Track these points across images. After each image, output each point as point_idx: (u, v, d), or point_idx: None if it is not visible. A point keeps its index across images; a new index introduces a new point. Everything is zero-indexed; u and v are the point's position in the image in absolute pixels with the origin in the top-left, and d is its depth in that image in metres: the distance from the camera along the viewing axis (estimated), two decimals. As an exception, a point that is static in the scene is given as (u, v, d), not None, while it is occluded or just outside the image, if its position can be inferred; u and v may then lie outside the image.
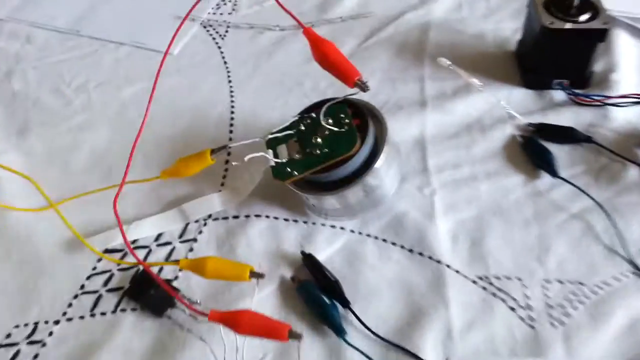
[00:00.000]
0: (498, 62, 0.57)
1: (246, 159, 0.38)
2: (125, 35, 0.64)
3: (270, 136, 0.43)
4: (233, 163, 0.39)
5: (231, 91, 0.57)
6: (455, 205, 0.46)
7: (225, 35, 0.63)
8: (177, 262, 0.37)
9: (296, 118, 0.44)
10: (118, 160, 0.52)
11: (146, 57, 0.62)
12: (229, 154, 0.52)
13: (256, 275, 0.35)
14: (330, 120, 0.42)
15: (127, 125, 0.55)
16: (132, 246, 0.46)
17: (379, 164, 0.41)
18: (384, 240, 0.44)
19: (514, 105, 0.51)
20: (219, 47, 0.62)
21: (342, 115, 0.42)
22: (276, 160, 0.42)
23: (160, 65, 0.45)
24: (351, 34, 0.62)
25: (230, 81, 0.58)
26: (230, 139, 0.53)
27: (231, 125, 0.54)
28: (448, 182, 0.47)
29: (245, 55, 0.61)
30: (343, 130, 0.41)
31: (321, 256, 0.43)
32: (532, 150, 0.49)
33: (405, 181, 0.47)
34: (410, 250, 0.43)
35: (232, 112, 0.55)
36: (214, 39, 0.63)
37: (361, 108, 0.43)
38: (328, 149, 0.41)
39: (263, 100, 0.56)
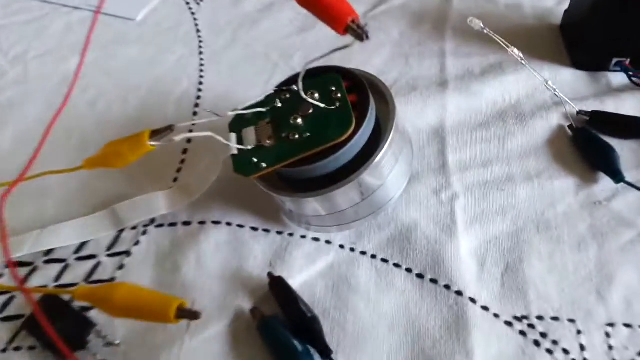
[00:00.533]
0: (539, 38, 0.45)
1: (178, 138, 0.27)
2: (81, -2, 0.53)
3: (231, 113, 0.31)
4: (150, 143, 0.27)
5: (201, 64, 0.46)
6: (483, 216, 0.34)
7: (202, 0, 0.52)
8: (72, 289, 0.25)
9: (272, 92, 0.32)
10: (47, 144, 0.41)
11: (104, 23, 0.51)
12: (189, 140, 0.40)
13: (188, 314, 0.23)
14: (316, 95, 0.30)
15: (68, 101, 0.44)
16: (45, 258, 0.34)
17: (381, 156, 0.29)
18: (385, 260, 0.32)
19: (560, 89, 0.38)
20: (193, 14, 0.50)
21: (332, 89, 0.30)
22: (238, 147, 0.30)
23: (90, 31, 0.33)
24: (356, 0, 0.50)
25: (201, 53, 0.47)
26: (194, 125, 0.41)
27: (196, 105, 0.42)
28: (474, 184, 0.35)
29: (224, 24, 0.49)
30: (333, 108, 0.29)
31: (297, 280, 0.32)
32: (588, 145, 0.37)
33: (416, 181, 0.35)
34: (421, 276, 0.31)
35: (200, 90, 0.43)
36: (187, 3, 0.52)
37: (360, 80, 0.31)
38: (311, 133, 0.29)
39: (240, 76, 0.44)
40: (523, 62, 0.36)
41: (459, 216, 0.34)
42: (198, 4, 0.51)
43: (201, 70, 0.45)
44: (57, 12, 0.52)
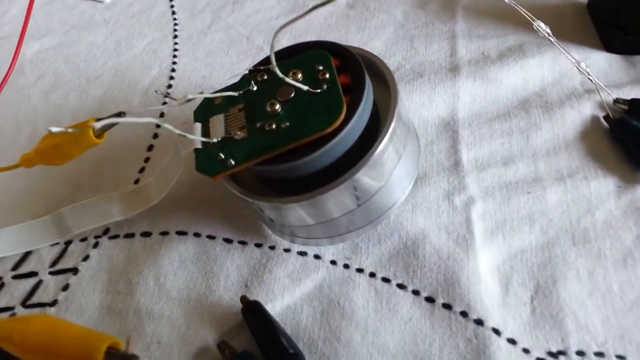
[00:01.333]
0: (563, 17, 0.39)
1: (97, 126, 0.21)
2: (45, -21, 0.47)
3: (192, 96, 0.25)
4: (95, 125, 0.21)
5: (175, 49, 0.40)
6: (506, 225, 0.28)
7: (179, -20, 0.46)
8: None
9: (246, 72, 0.26)
10: (-9, 141, 0.35)
11: (68, 6, 0.45)
12: (155, 135, 0.34)
13: (120, 358, 0.17)
14: (299, 75, 0.24)
15: (19, 90, 0.38)
16: (-26, 276, 0.28)
17: (380, 149, 0.23)
18: (386, 279, 0.26)
19: (592, 74, 0.32)
20: (169, -6, 0.44)
21: (320, 68, 0.24)
22: (201, 139, 0.24)
23: (28, 12, 0.28)
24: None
25: (176, 37, 0.41)
26: (162, 114, 0.35)
27: (166, 95, 0.36)
28: (494, 186, 0.29)
29: (204, 4, 0.43)
30: (319, 91, 0.24)
31: (278, 305, 0.26)
32: (628, 139, 0.31)
33: (423, 182, 0.29)
34: (431, 300, 0.25)
35: (172, 78, 0.37)
36: (163, -17, 0.46)
37: (354, 58, 0.25)
38: (291, 122, 0.23)
39: (219, 62, 0.38)
40: (551, 38, 0.30)
41: (477, 225, 0.27)
42: (175, -17, 0.45)
43: (174, 56, 0.39)
44: (18, -6, 0.47)
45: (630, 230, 0.27)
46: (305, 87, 0.24)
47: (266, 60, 0.27)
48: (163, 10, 0.43)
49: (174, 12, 0.43)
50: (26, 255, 0.29)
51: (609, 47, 0.36)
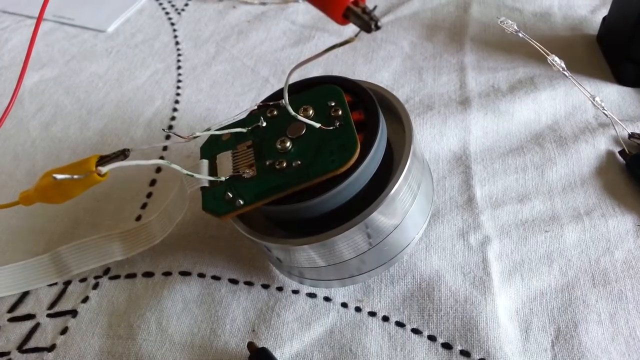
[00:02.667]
0: (573, 50, 0.38)
1: (103, 170, 0.20)
2: (47, 9, 0.46)
3: (200, 133, 0.24)
4: (102, 169, 0.20)
5: (179, 80, 0.39)
6: (524, 265, 0.27)
7: (183, 10, 0.45)
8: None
9: (254, 108, 0.26)
10: (-11, 175, 0.34)
11: (69, 35, 0.44)
12: (158, 169, 0.33)
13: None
14: (311, 112, 0.23)
15: (18, 123, 0.37)
16: (-33, 319, 0.27)
17: (396, 188, 0.22)
18: (400, 324, 0.25)
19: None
20: (172, 24, 0.44)
21: (331, 104, 0.24)
22: (208, 177, 0.23)
23: (33, 36, 0.27)
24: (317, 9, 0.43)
25: (179, 67, 0.40)
26: (166, 148, 0.34)
27: (170, 127, 0.36)
28: (510, 224, 0.28)
29: (208, 35, 0.43)
30: (332, 128, 0.23)
31: (287, 351, 0.24)
32: (646, 176, 0.30)
33: (436, 220, 0.28)
34: (448, 347, 0.24)
35: (175, 110, 0.37)
36: (167, 13, 0.45)
37: (367, 94, 0.24)
38: (303, 161, 0.22)
39: (223, 95, 0.37)
40: (565, 72, 0.29)
41: (494, 266, 0.26)
42: (179, 13, 0.45)
43: (178, 87, 0.38)
44: (19, 24, 0.46)
45: (652, 270, 0.26)
46: (317, 125, 0.23)
47: (275, 96, 0.26)
48: (166, 41, 0.42)
49: (177, 43, 0.42)
50: (23, 296, 0.28)
51: (621, 80, 0.36)
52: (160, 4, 0.46)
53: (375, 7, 0.17)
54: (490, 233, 0.28)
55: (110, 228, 0.29)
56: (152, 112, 0.37)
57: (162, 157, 0.33)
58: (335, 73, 0.38)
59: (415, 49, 0.39)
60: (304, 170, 0.22)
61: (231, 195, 0.23)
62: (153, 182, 0.32)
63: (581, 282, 0.26)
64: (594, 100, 0.30)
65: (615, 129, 0.32)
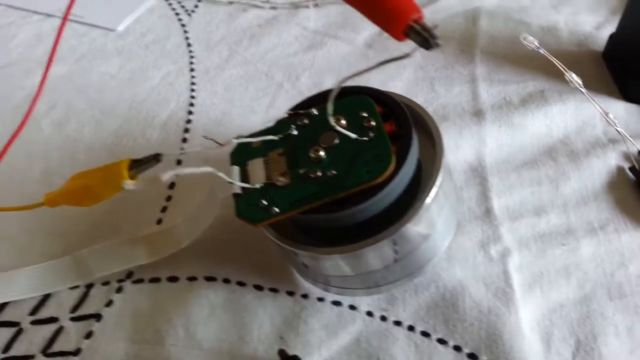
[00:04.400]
0: (580, 65, 0.39)
1: (165, 178, 0.20)
2: (54, 4, 0.46)
3: (236, 141, 0.24)
4: (164, 177, 0.20)
5: (192, 83, 0.39)
6: (543, 278, 0.27)
7: (193, 11, 0.45)
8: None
9: (284, 116, 0.26)
10: (2, 173, 0.33)
11: (79, 33, 0.44)
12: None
13: None
14: (343, 122, 0.24)
15: (30, 120, 0.37)
16: (-11, 321, 0.27)
17: (428, 202, 0.23)
18: (426, 334, 0.26)
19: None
20: (183, 26, 0.44)
21: (364, 115, 0.24)
22: (243, 185, 0.23)
23: (57, 38, 0.27)
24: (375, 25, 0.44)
25: (192, 70, 0.40)
26: (182, 150, 0.34)
27: (186, 130, 0.36)
28: (528, 237, 0.29)
29: (219, 38, 0.43)
30: (366, 139, 0.23)
31: (317, 358, 0.25)
32: (656, 192, 0.31)
33: (457, 231, 0.29)
34: (473, 357, 0.25)
35: (190, 113, 0.37)
36: (177, 14, 0.45)
37: (399, 106, 0.25)
38: (338, 171, 0.23)
39: (238, 99, 0.38)
40: (582, 89, 0.30)
41: (515, 278, 0.27)
42: (189, 15, 0.45)
43: (192, 90, 0.38)
44: (26, 19, 0.45)
45: (664, 284, 0.27)
46: (353, 135, 0.23)
47: (304, 104, 0.26)
48: (178, 42, 0.42)
49: (189, 45, 0.42)
50: (45, 299, 0.28)
51: (628, 96, 0.37)
52: (170, 4, 0.46)
53: (436, 26, 0.18)
54: (510, 245, 0.28)
55: (130, 231, 0.29)
56: (167, 114, 0.37)
57: (179, 161, 0.33)
58: (348, 82, 0.38)
59: (426, 59, 0.40)
60: (339, 180, 0.22)
61: (266, 203, 0.23)
62: (172, 186, 0.32)
63: (598, 295, 0.27)
64: (607, 116, 0.31)
65: (626, 145, 0.33)
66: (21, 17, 0.46)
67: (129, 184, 0.21)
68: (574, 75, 0.31)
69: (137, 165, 0.23)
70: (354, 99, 0.25)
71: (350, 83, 0.25)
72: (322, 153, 0.23)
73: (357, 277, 0.25)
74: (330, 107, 0.22)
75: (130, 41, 0.43)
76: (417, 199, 0.23)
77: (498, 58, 0.40)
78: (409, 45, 0.22)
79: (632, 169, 0.32)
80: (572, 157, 0.33)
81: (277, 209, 0.23)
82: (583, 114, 0.35)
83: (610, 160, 0.33)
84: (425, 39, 0.18)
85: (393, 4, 0.19)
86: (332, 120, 0.23)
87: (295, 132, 0.25)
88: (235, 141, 0.24)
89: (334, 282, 0.26)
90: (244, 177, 0.24)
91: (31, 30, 0.44)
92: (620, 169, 0.32)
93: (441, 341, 0.25)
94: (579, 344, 0.25)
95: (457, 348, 0.25)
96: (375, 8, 0.20)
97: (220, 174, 0.22)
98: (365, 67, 0.20)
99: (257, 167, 0.24)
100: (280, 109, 0.36)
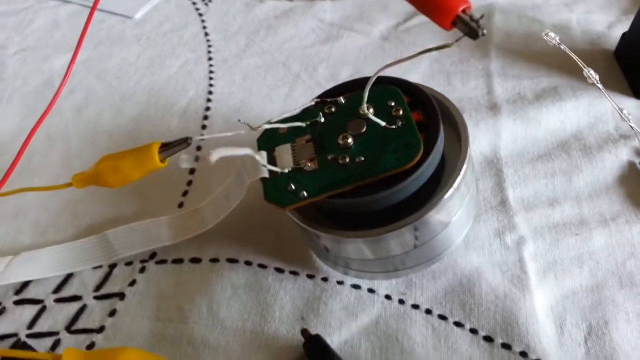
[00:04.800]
0: (593, 64, 0.39)
1: (214, 157, 0.20)
2: (72, -9, 0.46)
3: (266, 126, 0.25)
4: (184, 165, 0.21)
5: (211, 71, 0.39)
6: (557, 265, 0.28)
7: (211, 1, 0.46)
8: (55, 353, 0.19)
9: (312, 103, 0.26)
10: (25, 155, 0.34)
11: (97, 19, 0.44)
12: (196, 158, 0.34)
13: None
14: (371, 110, 0.24)
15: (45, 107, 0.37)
16: (16, 297, 0.27)
17: (451, 192, 0.23)
18: (443, 317, 0.26)
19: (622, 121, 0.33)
20: (200, 15, 0.44)
21: (391, 104, 0.24)
22: (272, 168, 0.24)
23: (86, 25, 0.27)
24: (386, 11, 0.44)
25: (210, 59, 0.40)
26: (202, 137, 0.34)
27: (205, 117, 0.36)
28: (543, 227, 0.30)
29: (237, 28, 0.43)
30: (394, 127, 0.23)
31: (335, 339, 0.25)
32: (666, 186, 0.31)
33: (474, 220, 0.29)
34: (489, 339, 0.25)
35: (209, 100, 0.37)
36: (194, 3, 0.46)
37: (426, 96, 0.25)
38: (366, 157, 0.23)
39: (256, 88, 0.38)
40: (599, 85, 0.31)
41: (530, 265, 0.28)
42: (206, 4, 0.45)
43: (210, 78, 0.39)
44: (42, 4, 0.46)
45: (673, 275, 0.28)
46: (382, 123, 0.24)
47: (330, 92, 0.27)
48: (195, 31, 0.43)
49: (206, 34, 0.43)
50: (68, 277, 0.28)
51: (638, 94, 0.37)
52: (187, -7, 0.46)
53: (482, 16, 0.18)
54: (525, 234, 0.29)
55: (152, 214, 0.30)
56: (185, 101, 0.37)
57: (198, 147, 0.34)
58: (365, 73, 0.39)
59: (442, 53, 0.40)
60: (368, 166, 0.23)
61: (294, 187, 0.23)
62: (192, 171, 0.33)
63: (609, 283, 0.27)
64: (622, 112, 0.32)
65: (637, 140, 0.33)
66: (38, 2, 0.46)
67: (184, 159, 0.22)
68: (591, 71, 0.31)
69: (167, 148, 0.24)
70: (382, 88, 0.25)
71: (366, 73, 0.25)
72: (350, 140, 0.24)
73: (377, 261, 0.26)
74: (365, 95, 0.23)
75: (148, 29, 0.43)
76: (440, 187, 0.24)
77: (512, 54, 0.40)
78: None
79: (643, 163, 0.33)
80: (584, 152, 0.33)
81: (305, 193, 0.23)
82: (596, 110, 0.36)
83: (622, 155, 0.33)
84: (473, 29, 0.19)
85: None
86: (365, 108, 0.23)
87: (322, 120, 0.25)
88: (267, 126, 0.25)
89: (354, 266, 0.26)
90: (271, 163, 0.25)
91: (48, 16, 0.45)
92: (631, 164, 0.33)
93: (458, 324, 0.26)
94: (591, 328, 0.26)
95: (474, 331, 0.26)
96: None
97: (257, 156, 0.22)
98: (405, 57, 0.21)
99: (284, 153, 0.25)
100: (298, 99, 0.37)
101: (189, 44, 0.42)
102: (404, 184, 0.23)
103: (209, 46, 0.41)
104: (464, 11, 0.19)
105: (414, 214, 0.23)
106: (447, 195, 0.23)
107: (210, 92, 0.38)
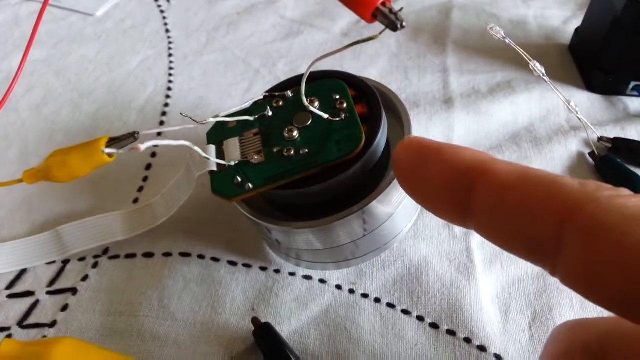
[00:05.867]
0: (547, 57, 0.41)
1: (144, 147, 0.20)
2: (33, -11, 0.46)
3: (212, 119, 0.25)
4: (106, 151, 0.21)
5: (170, 68, 0.40)
6: (503, 254, 0.29)
7: (172, -2, 0.46)
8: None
9: (260, 97, 0.27)
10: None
11: (58, 17, 0.44)
12: (153, 154, 0.34)
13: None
14: (316, 103, 0.25)
15: (5, 105, 0.37)
16: (-34, 294, 0.27)
17: (395, 180, 0.24)
18: (391, 305, 0.27)
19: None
20: (162, 12, 0.45)
21: (336, 97, 0.25)
22: (219, 161, 0.24)
23: (38, 21, 0.27)
24: (347, 9, 0.45)
25: (171, 55, 0.41)
26: (160, 134, 0.35)
27: (164, 114, 0.36)
28: (491, 216, 0.30)
29: (198, 24, 0.43)
30: (337, 120, 0.24)
31: (285, 328, 0.26)
32: (612, 175, 0.32)
33: (424, 211, 0.30)
34: (435, 326, 0.26)
35: (168, 97, 0.37)
36: (156, 0, 0.46)
37: (370, 89, 0.26)
38: (310, 149, 0.24)
39: (215, 83, 0.38)
40: (545, 78, 0.32)
41: (476, 254, 0.28)
42: (168, 1, 0.45)
43: (170, 75, 0.39)
44: (4, 2, 0.46)
45: (617, 262, 0.29)
46: (325, 116, 0.24)
47: (279, 87, 0.27)
48: (156, 28, 0.43)
49: (167, 30, 0.43)
50: (21, 273, 0.28)
51: (591, 87, 0.38)
52: (149, -9, 0.47)
53: (402, 9, 0.19)
54: (474, 224, 0.30)
55: (107, 210, 0.30)
56: (144, 98, 0.37)
57: (159, 134, 0.34)
58: (324, 68, 0.39)
59: (401, 49, 0.41)
60: (312, 157, 0.23)
61: (240, 180, 0.24)
62: (149, 167, 0.33)
63: (555, 270, 0.28)
64: (569, 104, 0.33)
65: (586, 132, 0.34)
66: (-1, 1, 0.46)
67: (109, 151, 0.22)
68: (537, 64, 0.32)
69: (115, 142, 0.24)
70: (327, 82, 0.26)
71: (326, 69, 0.26)
72: (295, 133, 0.24)
73: (327, 252, 0.26)
74: (302, 88, 0.23)
75: (108, 26, 0.43)
76: (384, 177, 0.25)
77: (469, 49, 0.41)
78: (384, 33, 0.23)
79: (591, 154, 0.33)
80: (535, 143, 0.34)
81: (250, 185, 0.23)
82: (547, 102, 0.37)
83: (572, 147, 0.34)
84: (392, 21, 0.19)
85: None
86: (305, 101, 0.24)
87: (270, 113, 0.26)
88: (212, 120, 0.25)
89: (305, 257, 0.27)
90: (220, 156, 0.25)
91: (9, 13, 0.44)
92: (580, 155, 0.34)
93: (405, 312, 0.26)
94: (536, 315, 0.27)
95: (420, 318, 0.26)
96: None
97: (196, 148, 0.23)
98: (336, 49, 0.21)
99: (232, 146, 0.25)
100: (257, 94, 0.36)
101: (150, 40, 0.42)
102: (347, 174, 0.23)
103: (170, 43, 0.42)
104: (383, 4, 0.19)
105: (358, 203, 0.24)
106: (390, 185, 0.24)
107: (169, 89, 0.38)
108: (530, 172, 0.14)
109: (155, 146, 0.33)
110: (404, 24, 0.19)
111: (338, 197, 0.24)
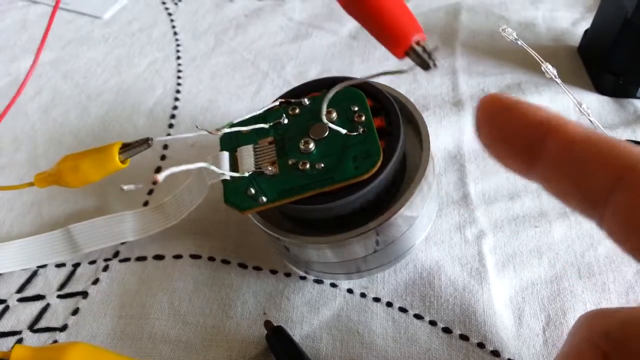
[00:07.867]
0: (556, 59, 0.40)
1: (161, 177, 0.20)
2: (41, -9, 0.46)
3: (227, 130, 0.25)
4: (125, 188, 0.20)
5: (179, 70, 0.39)
6: (516, 258, 0.29)
7: (180, 0, 0.46)
8: (5, 350, 0.19)
9: (275, 104, 0.26)
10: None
11: (65, 20, 0.44)
12: (163, 157, 0.34)
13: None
14: (333, 115, 0.24)
15: (15, 105, 0.37)
16: (-24, 297, 0.27)
17: (412, 198, 0.23)
18: (403, 309, 0.27)
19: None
20: (170, 14, 0.44)
21: (354, 109, 0.24)
22: (233, 174, 0.24)
23: (49, 24, 0.27)
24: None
25: (179, 58, 0.40)
26: (169, 134, 0.35)
27: (172, 116, 0.36)
28: (503, 220, 0.30)
29: (206, 27, 0.43)
30: (355, 134, 0.23)
31: (297, 333, 0.26)
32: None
33: (437, 216, 0.30)
34: (448, 331, 0.26)
35: (177, 100, 0.37)
36: (163, 3, 0.46)
37: (389, 101, 0.25)
38: (326, 164, 0.23)
39: (224, 86, 0.38)
40: (557, 80, 0.32)
41: (489, 258, 0.28)
42: (175, 4, 0.45)
43: (178, 77, 0.39)
44: (11, 5, 0.46)
45: (630, 265, 0.28)
46: (344, 131, 0.23)
47: (294, 92, 0.26)
48: (164, 30, 0.43)
49: (175, 33, 0.43)
50: (31, 277, 0.28)
51: (600, 89, 0.38)
52: (157, -7, 0.47)
53: (436, 47, 0.18)
54: (485, 227, 0.30)
55: (117, 212, 0.30)
56: (153, 101, 0.37)
57: (165, 146, 0.34)
58: (333, 71, 0.39)
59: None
60: (327, 173, 0.23)
61: (254, 191, 0.23)
62: (158, 170, 0.33)
63: (568, 274, 0.28)
64: (580, 107, 0.32)
65: (597, 134, 0.34)
66: (7, 3, 0.46)
67: (128, 186, 0.21)
68: (549, 66, 0.32)
69: (128, 148, 0.24)
70: (346, 92, 0.25)
71: (337, 73, 0.25)
72: (311, 145, 0.23)
73: (340, 264, 0.25)
74: (324, 107, 0.22)
75: (116, 29, 0.43)
76: (401, 191, 0.24)
77: (477, 51, 0.41)
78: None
79: (602, 157, 0.33)
80: (546, 146, 0.34)
81: (264, 198, 0.23)
82: (558, 105, 0.36)
83: (583, 149, 0.34)
84: (425, 61, 0.19)
85: (397, 24, 0.19)
86: (325, 119, 0.23)
87: (285, 121, 0.25)
88: (227, 130, 0.24)
89: (316, 267, 0.26)
90: (233, 163, 0.24)
91: (17, 16, 0.44)
92: (591, 158, 0.34)
93: (418, 316, 0.26)
94: (549, 319, 0.26)
95: (433, 323, 0.26)
96: (379, 26, 0.20)
97: (213, 167, 0.22)
98: (364, 77, 0.21)
99: (246, 154, 0.24)
100: (266, 98, 0.37)
101: (158, 43, 0.42)
102: (362, 193, 0.22)
103: (178, 45, 0.42)
104: (417, 42, 0.19)
105: (377, 218, 0.23)
106: (407, 202, 0.23)
107: (178, 91, 0.38)
108: (596, 133, 0.15)
109: (162, 157, 0.33)
110: (436, 63, 0.19)
111: (353, 211, 0.24)
